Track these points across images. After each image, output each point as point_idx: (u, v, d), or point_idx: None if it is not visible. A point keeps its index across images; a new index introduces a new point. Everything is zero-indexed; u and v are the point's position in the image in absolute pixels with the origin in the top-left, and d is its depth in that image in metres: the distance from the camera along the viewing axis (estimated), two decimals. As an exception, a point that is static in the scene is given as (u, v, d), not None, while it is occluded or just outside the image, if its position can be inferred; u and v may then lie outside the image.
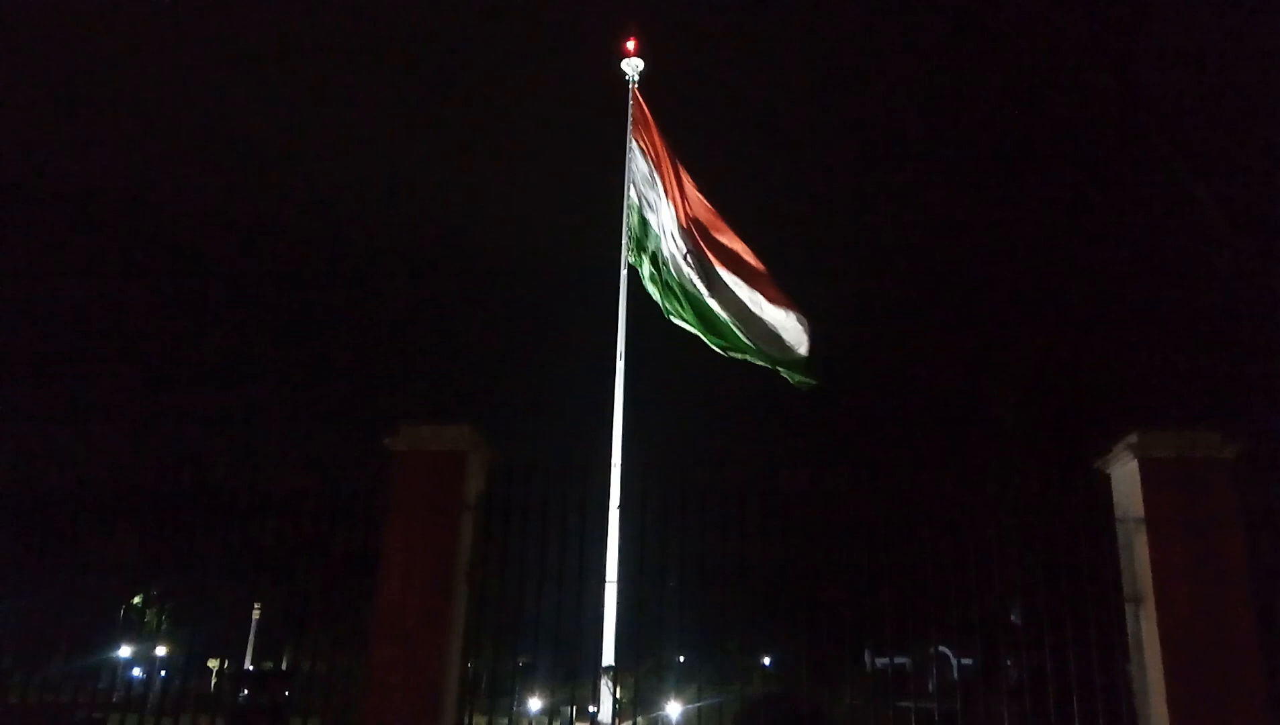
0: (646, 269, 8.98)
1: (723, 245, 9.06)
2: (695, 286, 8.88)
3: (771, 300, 8.77)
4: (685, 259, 8.90)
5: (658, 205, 9.18)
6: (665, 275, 8.90)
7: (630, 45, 9.57)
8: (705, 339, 8.83)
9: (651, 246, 9.02)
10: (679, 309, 8.84)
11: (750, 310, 8.80)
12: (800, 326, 8.68)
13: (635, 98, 9.40)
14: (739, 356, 8.78)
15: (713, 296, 8.81)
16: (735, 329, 8.75)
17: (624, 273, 8.78)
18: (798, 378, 8.69)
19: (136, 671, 8.89)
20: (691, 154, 9.55)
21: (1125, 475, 7.62)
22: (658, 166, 9.20)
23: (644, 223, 9.06)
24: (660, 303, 8.91)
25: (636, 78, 9.51)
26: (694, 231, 9.02)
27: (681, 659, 8.35)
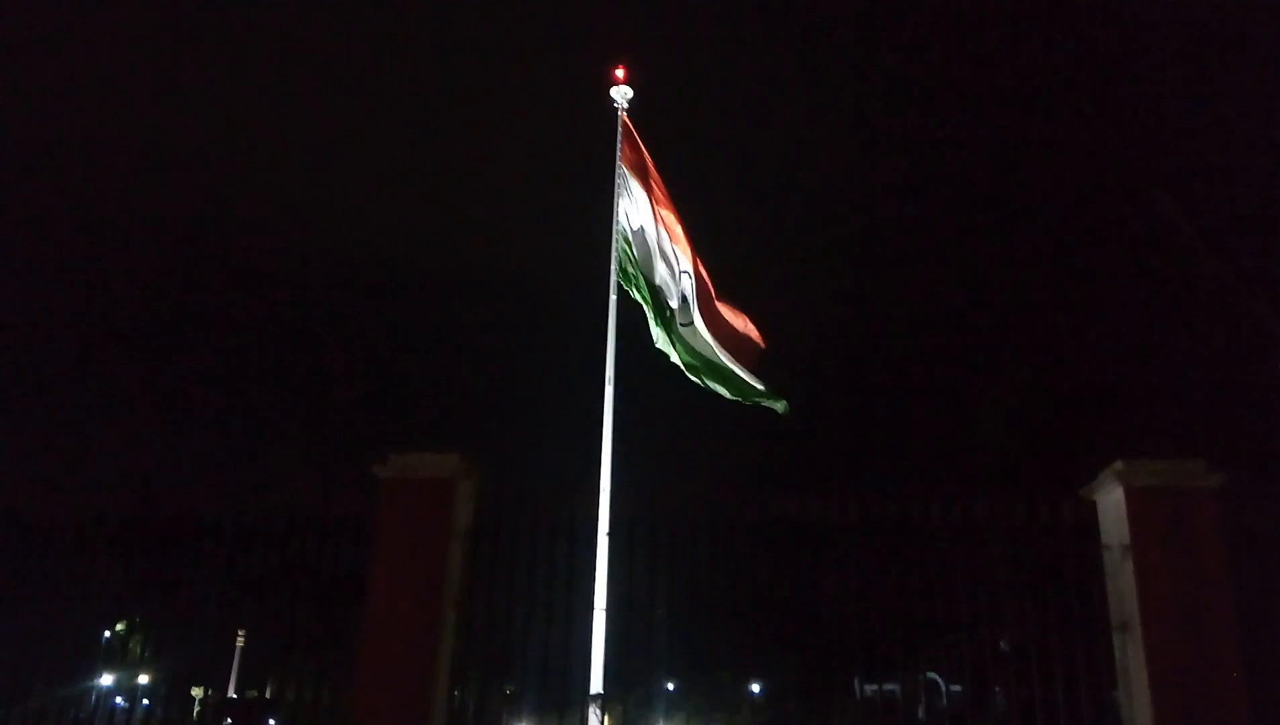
0: (661, 341, 8.88)
1: (706, 284, 9.09)
2: (695, 325, 8.87)
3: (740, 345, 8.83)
4: (679, 280, 8.91)
5: (650, 237, 9.18)
6: (671, 327, 8.83)
7: (619, 73, 9.59)
8: (722, 392, 8.78)
9: (667, 308, 8.91)
10: (690, 360, 8.78)
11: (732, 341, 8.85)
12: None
13: (624, 125, 9.43)
14: (759, 401, 8.75)
15: (714, 337, 8.82)
16: (732, 367, 8.76)
17: (613, 298, 8.78)
18: (779, 404, 8.71)
19: (118, 700, 8.78)
20: (681, 175, 9.60)
21: (1111, 503, 7.66)
22: (649, 196, 9.22)
23: (633, 260, 9.01)
24: (680, 362, 8.82)
25: (626, 105, 9.53)
26: (686, 264, 9.04)
27: (671, 687, 8.32)
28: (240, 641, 8.46)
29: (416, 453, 7.93)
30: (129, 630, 8.52)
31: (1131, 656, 7.30)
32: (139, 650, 8.38)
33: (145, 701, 8.55)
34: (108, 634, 8.46)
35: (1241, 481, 7.54)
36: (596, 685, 7.43)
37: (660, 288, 9.01)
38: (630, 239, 9.09)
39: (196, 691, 8.15)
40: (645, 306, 8.89)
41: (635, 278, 8.95)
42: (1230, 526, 7.44)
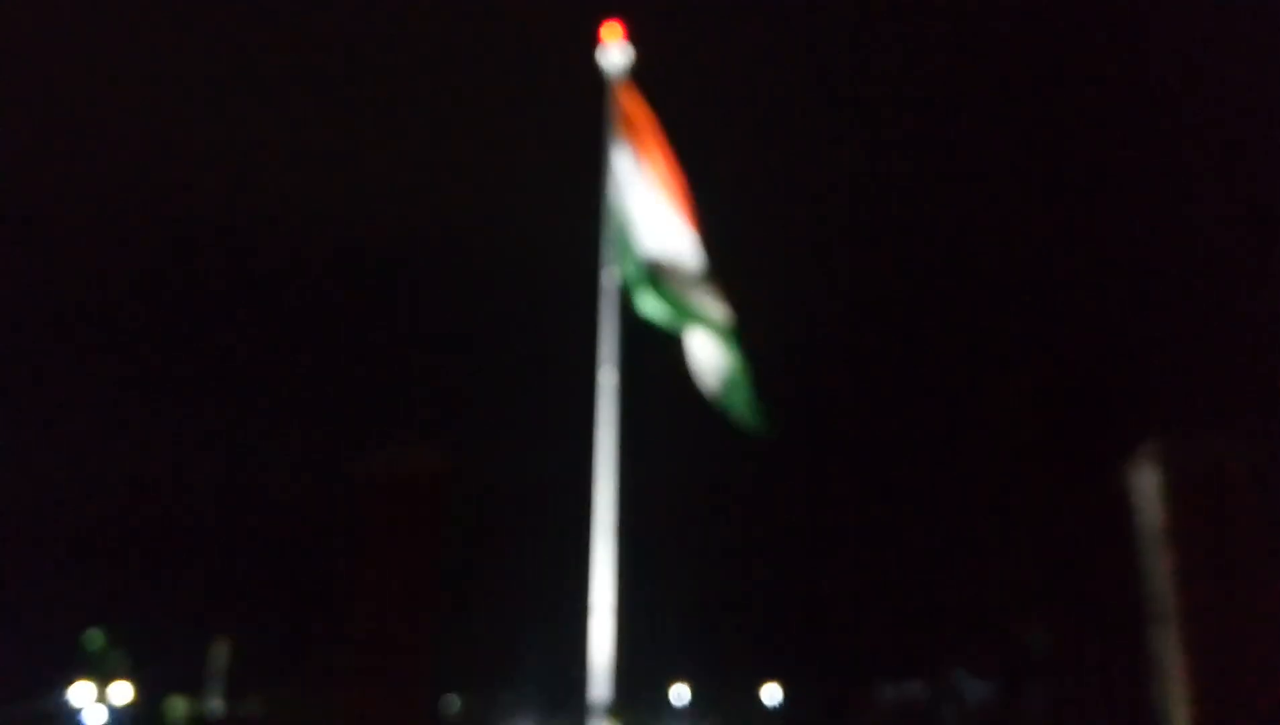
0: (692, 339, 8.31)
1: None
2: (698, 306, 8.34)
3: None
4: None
5: (650, 211, 8.62)
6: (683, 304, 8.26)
7: (614, 32, 8.97)
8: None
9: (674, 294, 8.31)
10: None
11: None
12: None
13: (620, 90, 8.84)
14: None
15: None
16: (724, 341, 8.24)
17: (608, 278, 8.27)
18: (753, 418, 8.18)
19: (103, 713, 8.49)
20: (679, 144, 9.06)
21: (1147, 486, 7.28)
22: (648, 164, 8.66)
23: (630, 248, 8.45)
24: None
25: (622, 67, 8.93)
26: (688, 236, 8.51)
27: (679, 691, 7.99)
28: (223, 651, 8.15)
29: (406, 449, 7.65)
30: (110, 642, 8.23)
31: (1169, 643, 6.94)
32: (118, 662, 8.07)
33: (130, 713, 8.27)
34: (85, 647, 8.18)
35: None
36: (599, 691, 7.04)
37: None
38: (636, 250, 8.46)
39: (179, 702, 7.84)
40: (668, 306, 8.31)
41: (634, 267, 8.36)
42: (1271, 507, 7.07)
